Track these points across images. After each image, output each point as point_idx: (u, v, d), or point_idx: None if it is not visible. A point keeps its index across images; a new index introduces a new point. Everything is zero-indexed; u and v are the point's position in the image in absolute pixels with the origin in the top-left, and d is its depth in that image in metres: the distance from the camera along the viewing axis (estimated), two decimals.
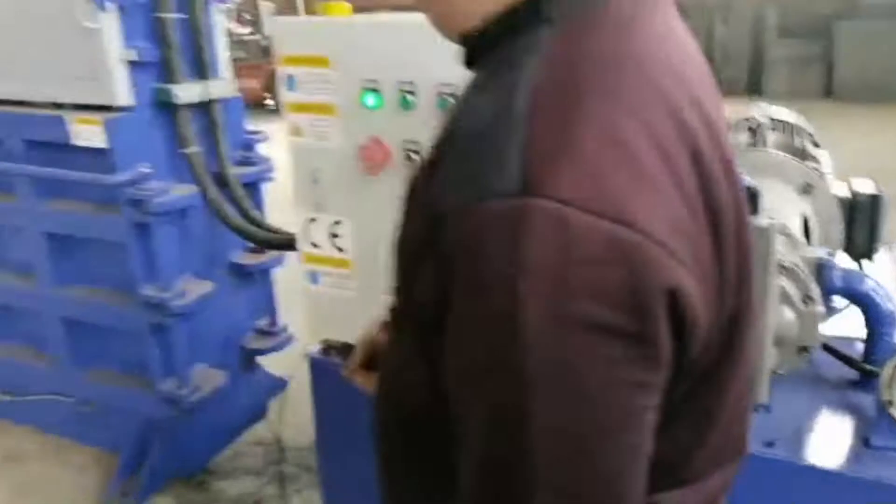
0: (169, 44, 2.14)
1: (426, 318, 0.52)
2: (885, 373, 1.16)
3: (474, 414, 0.49)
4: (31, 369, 2.67)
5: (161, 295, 2.25)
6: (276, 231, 2.37)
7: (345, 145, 1.37)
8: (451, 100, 1.20)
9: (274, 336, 2.78)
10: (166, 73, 2.19)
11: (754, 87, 11.36)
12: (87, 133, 2.12)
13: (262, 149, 2.61)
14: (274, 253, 2.67)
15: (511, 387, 0.46)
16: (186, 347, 2.40)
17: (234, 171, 2.43)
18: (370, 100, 1.30)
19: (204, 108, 2.32)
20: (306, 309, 1.59)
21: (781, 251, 1.14)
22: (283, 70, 1.36)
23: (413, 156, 1.29)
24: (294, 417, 2.72)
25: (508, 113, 0.47)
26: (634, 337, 0.45)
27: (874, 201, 1.55)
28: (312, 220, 1.48)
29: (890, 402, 1.16)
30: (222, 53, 2.38)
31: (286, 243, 2.24)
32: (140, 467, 2.52)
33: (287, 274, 2.66)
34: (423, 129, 1.27)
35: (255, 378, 2.86)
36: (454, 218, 0.46)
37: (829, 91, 11.10)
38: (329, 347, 1.64)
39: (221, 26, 2.39)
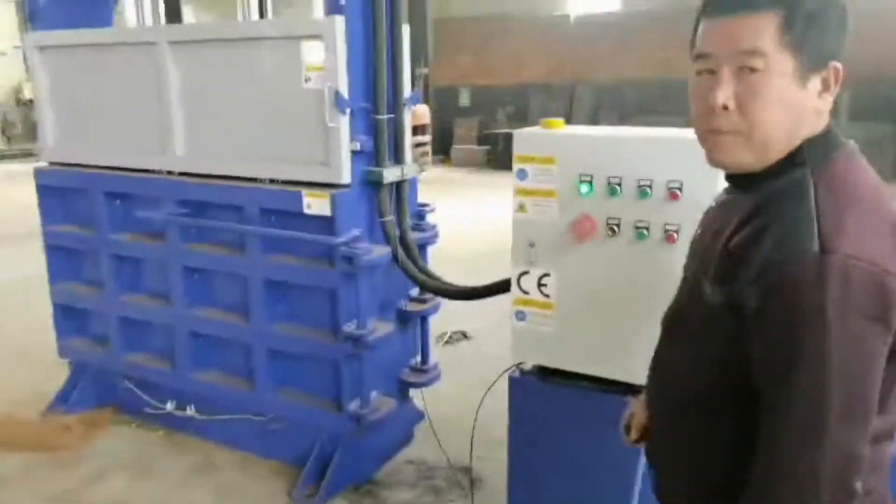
0: (382, 138, 2.80)
1: (730, 321, 1.04)
2: None
3: (794, 369, 0.98)
4: (232, 393, 3.26)
5: (359, 331, 2.83)
6: (447, 283, 2.94)
7: (559, 220, 1.93)
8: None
9: (426, 373, 3.32)
10: (376, 159, 2.84)
11: None
12: (317, 204, 2.77)
13: (430, 218, 3.22)
14: (432, 302, 3.24)
15: (817, 348, 0.97)
16: (370, 376, 2.96)
17: (412, 236, 3.04)
18: (584, 188, 1.86)
19: (395, 185, 2.95)
20: (512, 339, 2.13)
21: None
22: (517, 165, 1.95)
23: (616, 229, 1.84)
24: (435, 442, 3.23)
25: (809, 219, 1.00)
26: (882, 317, 0.97)
27: None
28: (525, 273, 2.03)
29: None
30: (410, 143, 3.02)
31: (461, 293, 2.81)
32: (321, 476, 3.04)
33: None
34: (625, 209, 1.82)
35: (407, 407, 3.39)
36: (784, 265, 0.98)
37: None
38: (523, 371, 2.17)
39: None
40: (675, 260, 1.78)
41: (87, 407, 3.72)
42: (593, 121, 13.58)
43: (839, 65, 1.07)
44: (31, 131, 17.99)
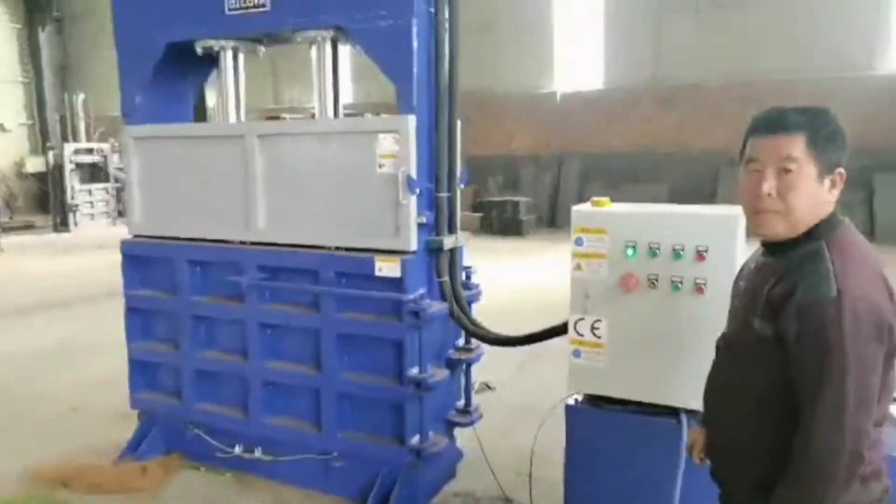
0: (442, 212, 3.36)
1: (774, 347, 1.58)
2: None
3: (825, 376, 1.51)
4: (299, 435, 3.69)
5: (421, 376, 3.31)
6: (497, 333, 3.46)
7: (609, 277, 2.48)
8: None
9: (469, 414, 3.78)
10: (436, 229, 3.39)
11: None
12: (388, 268, 3.30)
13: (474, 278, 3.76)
14: (476, 352, 3.74)
15: (838, 361, 1.50)
16: (428, 415, 3.43)
17: (463, 294, 3.57)
18: (629, 252, 2.41)
19: (448, 251, 3.50)
20: (568, 373, 2.63)
21: None
22: (575, 235, 2.50)
23: (655, 283, 2.38)
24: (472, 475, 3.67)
25: (831, 276, 1.54)
26: (882, 338, 1.51)
27: None
28: (580, 319, 2.56)
29: None
30: (458, 215, 3.59)
31: (511, 340, 3.33)
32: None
33: None
34: (663, 268, 2.37)
35: (452, 445, 3.83)
36: (813, 307, 1.53)
37: (872, 234, 12.11)
38: (577, 402, 2.66)
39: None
40: (704, 307, 2.33)
41: (156, 455, 4.10)
42: (581, 189, 14.38)
43: (843, 170, 1.65)
44: (33, 204, 18.45)
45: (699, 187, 12.77)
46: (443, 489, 3.75)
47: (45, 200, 18.40)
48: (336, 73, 3.76)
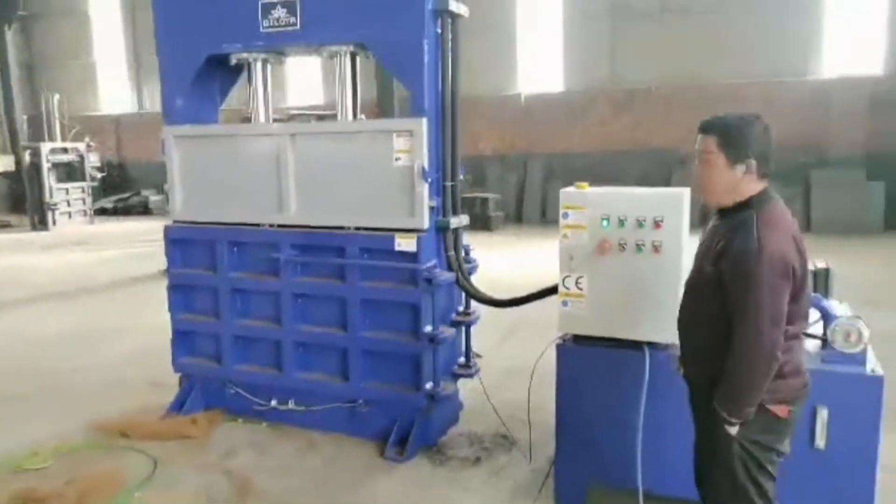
0: (448, 198, 4.11)
1: (719, 282, 2.37)
2: (832, 335, 2.97)
3: (747, 300, 2.29)
4: (328, 387, 4.38)
5: (436, 332, 4.06)
6: (494, 297, 4.22)
7: (588, 243, 3.25)
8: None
9: (470, 368, 4.54)
10: (443, 212, 4.13)
11: None
12: (406, 243, 4.03)
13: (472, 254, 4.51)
14: (474, 315, 4.49)
15: (757, 291, 2.27)
16: (439, 365, 4.17)
17: (465, 266, 4.32)
18: (604, 223, 3.19)
19: (454, 230, 4.24)
20: (558, 318, 3.39)
21: None
22: (563, 210, 3.27)
23: (623, 246, 3.16)
24: (475, 419, 4.44)
25: (754, 234, 2.30)
26: (787, 276, 2.30)
27: (826, 271, 3.42)
28: (567, 276, 3.32)
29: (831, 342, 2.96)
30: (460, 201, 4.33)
31: (508, 302, 4.09)
32: (403, 443, 4.17)
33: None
34: (629, 235, 3.15)
35: (456, 394, 4.58)
36: (741, 254, 2.31)
37: (808, 224, 13.25)
38: (565, 339, 3.43)
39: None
40: (661, 263, 3.12)
41: (198, 411, 4.74)
42: (545, 187, 15.26)
43: (754, 162, 2.40)
44: (3, 203, 18.45)
45: (654, 183, 13.75)
46: (449, 431, 4.49)
47: (16, 200, 18.51)
48: (355, 80, 4.47)
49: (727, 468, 2.43)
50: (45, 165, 15.47)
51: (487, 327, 5.22)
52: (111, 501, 3.62)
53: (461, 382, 4.64)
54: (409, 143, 4.02)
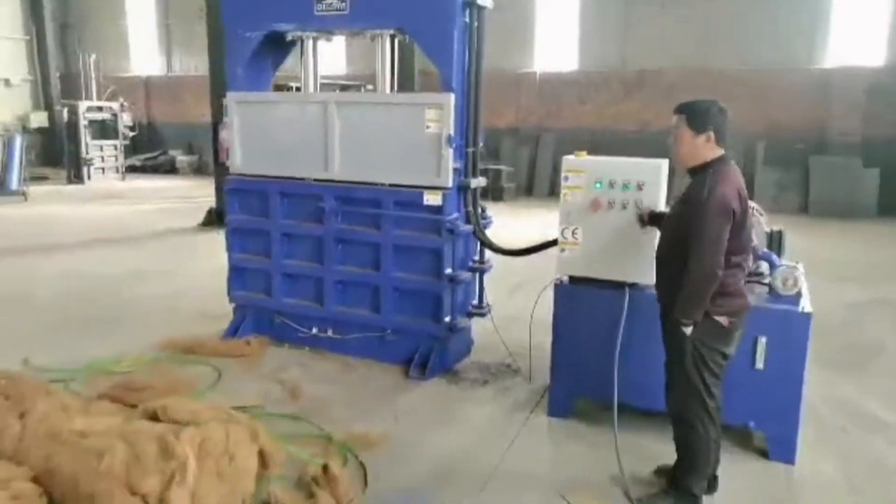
0: (469, 162, 4.88)
1: (683, 221, 3.16)
2: (773, 280, 3.75)
3: (698, 230, 3.09)
4: (363, 318, 5.21)
5: (455, 274, 4.86)
6: (506, 248, 5.02)
7: (583, 201, 4.02)
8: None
9: (482, 308, 5.35)
10: (464, 173, 4.91)
11: None
12: (433, 199, 4.81)
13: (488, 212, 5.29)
14: (487, 264, 5.28)
15: (704, 224, 3.07)
16: (458, 302, 4.98)
17: (481, 221, 5.11)
18: (597, 185, 3.95)
19: (473, 189, 5.01)
20: (557, 263, 4.17)
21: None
22: (564, 174, 4.04)
23: (612, 204, 3.93)
24: (484, 353, 5.27)
25: (707, 185, 3.09)
26: (728, 215, 3.09)
27: (780, 233, 4.19)
28: (566, 228, 4.10)
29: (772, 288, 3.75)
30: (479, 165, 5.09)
31: (517, 252, 4.89)
32: (424, 367, 5.00)
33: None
34: (617, 195, 3.92)
35: (468, 329, 5.40)
36: (697, 200, 3.10)
37: (806, 207, 13.90)
38: (562, 280, 4.22)
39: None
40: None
41: (249, 336, 5.58)
42: (556, 161, 15.94)
43: (712, 133, 3.17)
44: (38, 159, 19.30)
45: None
46: (463, 360, 5.32)
47: (51, 155, 19.38)
48: (393, 59, 5.22)
49: (683, 366, 3.24)
50: (82, 123, 16.28)
51: (496, 283, 6.01)
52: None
53: (474, 321, 5.46)
54: (438, 115, 4.78)
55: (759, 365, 3.78)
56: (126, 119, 17.55)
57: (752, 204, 4.18)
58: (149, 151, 20.24)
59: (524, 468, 3.79)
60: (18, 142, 13.92)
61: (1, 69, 19.92)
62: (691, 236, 3.12)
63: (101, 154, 17.07)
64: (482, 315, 5.36)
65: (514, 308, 6.07)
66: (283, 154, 5.35)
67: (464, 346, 5.40)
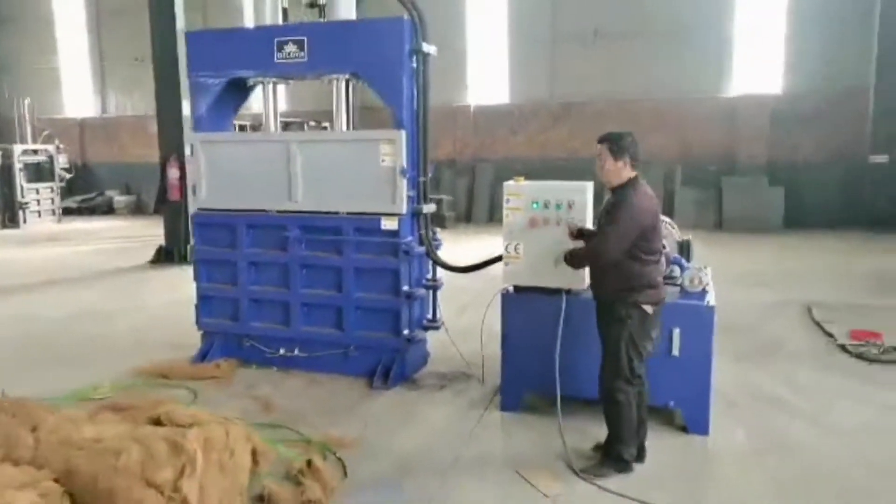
0: (420, 190, 5.47)
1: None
2: (683, 280, 4.46)
3: (611, 224, 3.86)
4: (327, 336, 5.68)
5: (412, 290, 5.41)
6: (457, 265, 5.61)
7: (522, 220, 4.65)
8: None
9: (436, 322, 5.90)
10: (417, 200, 5.49)
11: None
12: (389, 224, 5.37)
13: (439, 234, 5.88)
14: (440, 282, 5.85)
15: (618, 221, 3.81)
16: (414, 317, 5.53)
17: (433, 242, 5.69)
18: (535, 205, 4.60)
19: (424, 215, 5.60)
20: (502, 275, 4.78)
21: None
22: (506, 196, 4.67)
23: (547, 221, 4.57)
24: (440, 363, 5.82)
25: (627, 197, 3.84)
26: (638, 222, 3.83)
27: (688, 242, 4.93)
28: (509, 244, 4.72)
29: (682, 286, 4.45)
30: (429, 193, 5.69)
31: (466, 268, 5.48)
32: (386, 377, 5.49)
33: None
34: (551, 214, 4.58)
35: (424, 342, 5.94)
36: (620, 204, 3.86)
37: (720, 224, 15.10)
38: (507, 290, 4.82)
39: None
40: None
41: (218, 359, 5.95)
42: (492, 190, 16.77)
43: (628, 158, 3.90)
44: None
45: None
46: (420, 371, 5.84)
47: None
48: (348, 99, 5.79)
49: (616, 350, 3.89)
50: (17, 166, 16.12)
51: (446, 303, 6.57)
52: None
53: (430, 335, 6.00)
54: (392, 149, 5.37)
55: (675, 352, 4.45)
56: (62, 161, 17.44)
57: (664, 218, 4.95)
58: (84, 193, 20.04)
59: (482, 454, 4.34)
60: None
61: None
62: (606, 223, 3.90)
63: (38, 197, 16.88)
64: (436, 328, 5.91)
65: (463, 324, 6.65)
66: (248, 188, 5.81)
67: (421, 358, 5.92)
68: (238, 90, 6.04)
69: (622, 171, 3.94)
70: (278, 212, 5.72)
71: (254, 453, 3.72)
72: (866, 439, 4.48)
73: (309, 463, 3.91)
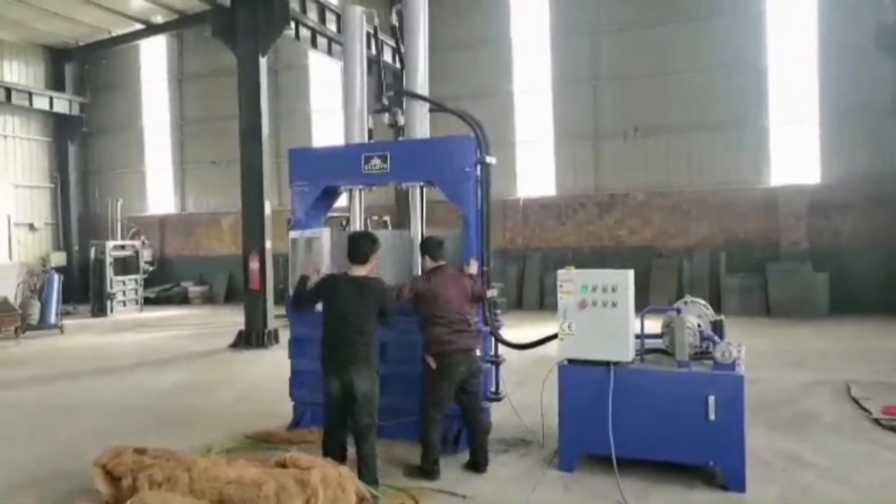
0: (485, 278, 6.42)
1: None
2: (714, 353, 5.22)
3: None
4: (404, 405, 6.51)
5: (479, 365, 6.27)
6: (518, 342, 6.46)
7: (574, 302, 5.52)
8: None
9: (500, 394, 6.69)
10: (483, 285, 6.44)
11: (715, 308, 16.16)
12: None
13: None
14: (501, 358, 6.68)
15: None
16: (483, 391, 6.35)
17: (499, 322, 6.58)
18: (585, 290, 5.48)
19: (489, 299, 6.52)
20: (558, 349, 5.60)
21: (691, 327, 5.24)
22: (560, 283, 5.56)
23: (595, 304, 5.42)
24: (503, 431, 6.56)
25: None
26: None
27: (721, 321, 5.71)
28: (563, 322, 5.57)
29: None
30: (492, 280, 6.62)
31: (527, 345, 6.33)
32: (457, 440, 6.25)
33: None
34: (599, 296, 5.44)
35: (489, 410, 6.71)
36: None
37: (767, 310, 15.50)
38: (562, 362, 5.63)
39: None
40: (616, 314, 5.40)
41: (310, 427, 6.82)
42: (542, 278, 17.66)
43: (429, 257, 5.64)
44: (63, 294, 20.56)
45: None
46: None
47: (68, 291, 20.70)
48: (422, 203, 6.87)
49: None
50: (108, 260, 17.84)
51: (506, 377, 7.39)
52: None
53: (493, 407, 6.77)
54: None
55: (712, 417, 5.14)
56: (146, 255, 19.16)
57: (698, 300, 5.75)
58: (162, 283, 21.70)
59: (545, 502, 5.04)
60: (56, 280, 15.35)
61: (28, 215, 21.69)
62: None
63: (123, 288, 18.51)
64: (499, 399, 6.69)
65: (521, 396, 7.43)
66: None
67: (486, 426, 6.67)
68: (331, 194, 7.21)
69: (428, 263, 5.68)
70: None
71: (357, 492, 4.54)
72: (894, 497, 5.02)
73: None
